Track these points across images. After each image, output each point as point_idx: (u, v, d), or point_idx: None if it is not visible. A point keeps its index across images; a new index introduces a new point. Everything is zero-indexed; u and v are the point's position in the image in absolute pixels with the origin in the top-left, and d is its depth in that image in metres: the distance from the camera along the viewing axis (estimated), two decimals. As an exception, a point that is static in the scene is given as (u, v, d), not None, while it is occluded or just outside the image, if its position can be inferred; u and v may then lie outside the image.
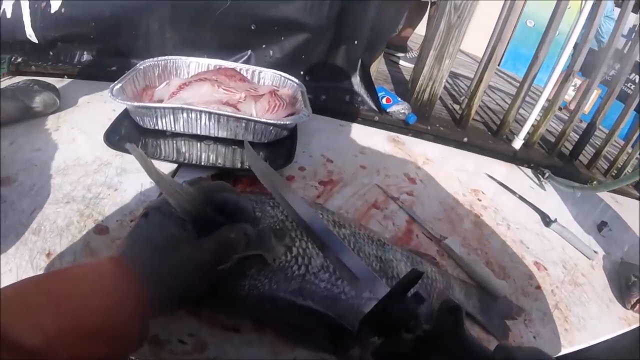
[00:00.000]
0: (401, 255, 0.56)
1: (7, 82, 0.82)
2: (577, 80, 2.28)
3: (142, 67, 0.82)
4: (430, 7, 1.49)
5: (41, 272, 0.48)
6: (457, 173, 0.98)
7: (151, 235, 0.37)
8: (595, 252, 0.83)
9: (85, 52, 0.94)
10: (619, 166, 1.38)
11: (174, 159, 0.69)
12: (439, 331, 0.31)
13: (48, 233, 0.53)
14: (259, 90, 0.82)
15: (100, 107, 0.82)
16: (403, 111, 1.09)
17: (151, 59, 0.85)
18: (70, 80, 0.91)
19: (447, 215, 0.80)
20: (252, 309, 0.44)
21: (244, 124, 0.73)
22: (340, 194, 0.75)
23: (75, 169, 0.64)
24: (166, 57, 0.88)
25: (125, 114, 0.76)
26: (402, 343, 0.31)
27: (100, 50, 0.94)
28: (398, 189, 0.83)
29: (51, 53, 0.92)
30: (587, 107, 1.24)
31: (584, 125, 1.39)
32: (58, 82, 0.84)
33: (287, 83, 0.91)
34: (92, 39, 0.93)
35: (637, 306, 0.71)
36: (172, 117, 0.71)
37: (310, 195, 0.71)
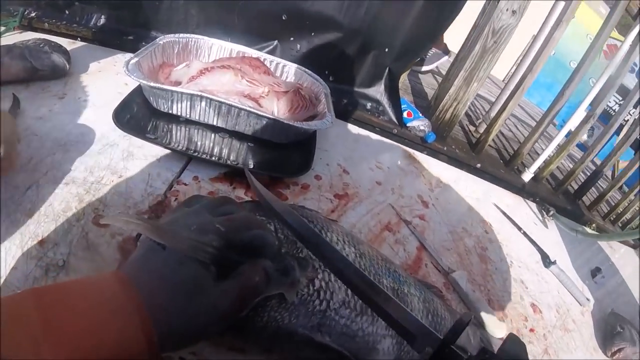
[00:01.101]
0: (414, 289, 0.53)
1: (18, 37, 0.76)
2: (598, 123, 2.26)
3: (161, 42, 0.76)
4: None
5: (32, 261, 0.44)
6: (468, 200, 0.95)
7: (169, 275, 0.31)
8: (587, 299, 0.83)
9: (102, 16, 0.88)
10: (619, 212, 1.37)
11: (185, 148, 0.64)
12: None
13: (42, 216, 0.48)
14: (282, 87, 0.77)
15: (111, 78, 0.77)
16: (423, 128, 1.05)
17: (172, 35, 0.80)
18: (83, 43, 0.85)
19: (456, 245, 0.78)
20: (266, 341, 0.41)
21: (264, 122, 0.69)
22: (355, 210, 0.71)
23: (78, 145, 0.59)
24: (188, 35, 0.82)
25: (138, 91, 0.71)
26: None
27: (119, 17, 0.88)
28: (411, 212, 0.79)
29: (67, 12, 0.86)
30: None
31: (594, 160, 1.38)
32: (70, 44, 0.79)
33: (312, 82, 0.86)
34: (112, 3, 0.87)
35: (617, 355, 0.72)
36: (189, 103, 0.67)
37: (325, 208, 0.68)
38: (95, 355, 0.26)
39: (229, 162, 0.65)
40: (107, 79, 0.77)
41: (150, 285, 0.30)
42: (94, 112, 0.67)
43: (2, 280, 0.41)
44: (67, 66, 0.72)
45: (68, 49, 0.75)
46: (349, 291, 0.43)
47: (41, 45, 0.71)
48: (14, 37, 0.78)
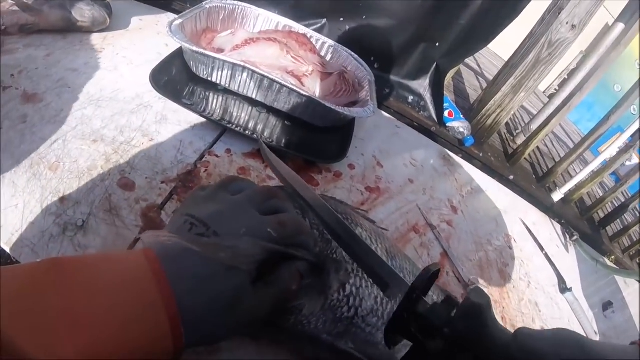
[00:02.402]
0: (437, 297, 0.50)
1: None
2: (635, 156, 2.16)
3: (207, 6, 0.73)
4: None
5: (51, 217, 0.41)
6: (496, 212, 0.91)
7: (207, 279, 0.28)
8: (595, 332, 0.78)
9: (150, -29, 0.85)
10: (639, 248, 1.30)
11: (220, 117, 0.61)
12: (465, 335, 0.30)
13: (66, 172, 0.46)
14: (327, 68, 0.73)
15: (152, 37, 0.74)
16: (462, 130, 1.00)
17: (219, 0, 0.76)
18: (127, -1, 0.83)
19: (479, 257, 0.74)
20: (288, 341, 0.38)
21: (305, 102, 0.64)
22: (385, 206, 0.67)
23: (111, 102, 0.57)
24: (235, 2, 0.79)
25: (178, 54, 0.68)
26: (431, 349, 0.31)
27: (167, -27, 0.85)
28: (439, 216, 0.75)
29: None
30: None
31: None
32: (113, -1, 0.76)
33: (357, 67, 0.81)
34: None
35: None
36: (230, 72, 0.63)
37: (355, 200, 0.64)
38: (114, 348, 0.23)
39: (263, 138, 0.61)
40: (148, 38, 0.74)
41: (185, 285, 0.27)
42: (131, 70, 0.64)
43: (18, 235, 0.39)
44: (108, 20, 0.70)
45: (111, 2, 0.72)
46: (378, 299, 0.41)
47: (83, -5, 0.68)
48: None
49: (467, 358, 0.30)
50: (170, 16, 0.65)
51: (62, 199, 0.43)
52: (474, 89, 1.46)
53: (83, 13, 0.67)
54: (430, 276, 0.33)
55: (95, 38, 0.68)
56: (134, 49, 0.69)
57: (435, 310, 0.31)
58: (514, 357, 0.29)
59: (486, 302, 0.31)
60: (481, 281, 0.69)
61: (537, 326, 0.69)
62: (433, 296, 0.50)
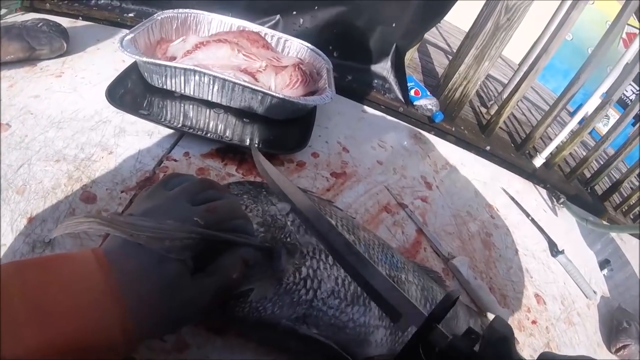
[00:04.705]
0: (413, 276, 0.50)
1: (18, 17, 0.76)
2: (612, 111, 2.15)
3: (159, 17, 0.75)
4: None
5: (21, 237, 0.44)
6: (475, 184, 0.91)
7: (146, 268, 0.30)
8: (594, 292, 0.79)
9: (102, -6, 0.87)
10: (631, 203, 1.30)
11: (180, 124, 0.64)
12: None
13: (32, 194, 0.48)
14: (282, 61, 0.75)
15: (109, 56, 0.76)
16: (430, 107, 1.01)
17: (171, 10, 0.78)
18: (84, 22, 0.85)
19: (459, 230, 0.75)
20: (247, 330, 0.40)
21: (259, 97, 0.67)
22: (352, 190, 0.69)
23: (71, 123, 0.59)
24: (187, 10, 0.81)
25: (134, 68, 0.70)
26: None
27: (120, -7, 0.87)
28: (413, 193, 0.76)
29: (68, -9, 0.86)
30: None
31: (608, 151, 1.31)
32: (70, 24, 0.78)
33: (314, 57, 0.83)
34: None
35: (622, 352, 0.69)
36: (182, 78, 0.65)
37: (320, 187, 0.66)
38: (76, 338, 0.25)
39: (224, 138, 0.64)
40: (105, 56, 0.76)
41: (128, 274, 0.29)
42: (89, 89, 0.66)
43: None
44: (65, 45, 0.72)
45: (68, 28, 0.74)
46: (339, 280, 0.41)
47: (39, 25, 0.71)
48: (12, 19, 0.78)
49: None
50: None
51: (30, 219, 0.46)
52: (442, 66, 1.47)
53: (40, 41, 0.69)
54: (447, 308, 0.31)
55: (55, 63, 0.71)
56: (92, 69, 0.71)
57: (456, 345, 0.29)
58: None
59: (511, 331, 0.30)
60: (463, 253, 0.70)
61: (529, 293, 0.70)
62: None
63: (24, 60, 0.68)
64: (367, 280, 0.33)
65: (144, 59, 0.62)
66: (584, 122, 1.16)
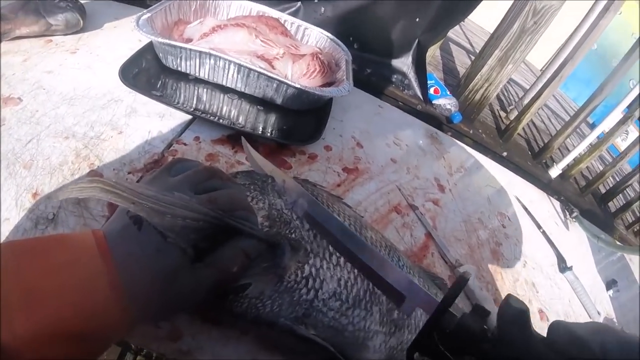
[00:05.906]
0: (417, 281, 0.48)
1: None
2: (632, 127, 2.09)
3: (178, -2, 0.74)
4: None
5: (24, 212, 0.43)
6: (488, 190, 0.88)
7: (145, 256, 0.29)
8: (598, 313, 0.75)
9: (122, -30, 0.86)
10: None
11: (192, 108, 0.62)
12: (513, 344, 0.28)
13: (39, 169, 0.48)
14: (300, 49, 0.73)
15: (125, 34, 0.75)
16: (449, 107, 0.98)
17: (190, -9, 0.77)
18: (102, 0, 0.84)
19: (468, 236, 0.72)
20: (245, 325, 0.39)
21: (275, 85, 0.65)
22: (363, 187, 0.67)
23: (82, 100, 0.58)
24: (206, -8, 0.79)
25: (149, 48, 0.69)
26: None
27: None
28: (425, 195, 0.74)
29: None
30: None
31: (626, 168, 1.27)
32: (88, 0, 0.77)
33: (333, 47, 0.81)
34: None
35: None
36: (197, 60, 0.64)
37: (330, 181, 0.64)
38: (73, 323, 0.25)
39: (235, 125, 0.62)
40: (122, 35, 0.75)
41: (128, 261, 0.29)
42: (103, 67, 0.65)
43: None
44: (81, 22, 0.71)
45: (86, 5, 0.73)
46: (342, 281, 0.40)
47: (56, 1, 0.70)
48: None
49: None
50: (146, 12, 0.66)
51: (35, 195, 0.45)
52: (464, 66, 1.44)
53: (56, 17, 0.68)
54: (460, 288, 0.30)
55: (70, 40, 0.70)
56: (107, 47, 0.70)
57: (466, 324, 0.28)
58: (556, 349, 0.28)
59: (526, 306, 0.30)
60: (471, 261, 0.67)
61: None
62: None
63: (39, 35, 0.68)
64: (364, 263, 0.32)
65: (159, 39, 0.61)
66: (604, 136, 1.12)
